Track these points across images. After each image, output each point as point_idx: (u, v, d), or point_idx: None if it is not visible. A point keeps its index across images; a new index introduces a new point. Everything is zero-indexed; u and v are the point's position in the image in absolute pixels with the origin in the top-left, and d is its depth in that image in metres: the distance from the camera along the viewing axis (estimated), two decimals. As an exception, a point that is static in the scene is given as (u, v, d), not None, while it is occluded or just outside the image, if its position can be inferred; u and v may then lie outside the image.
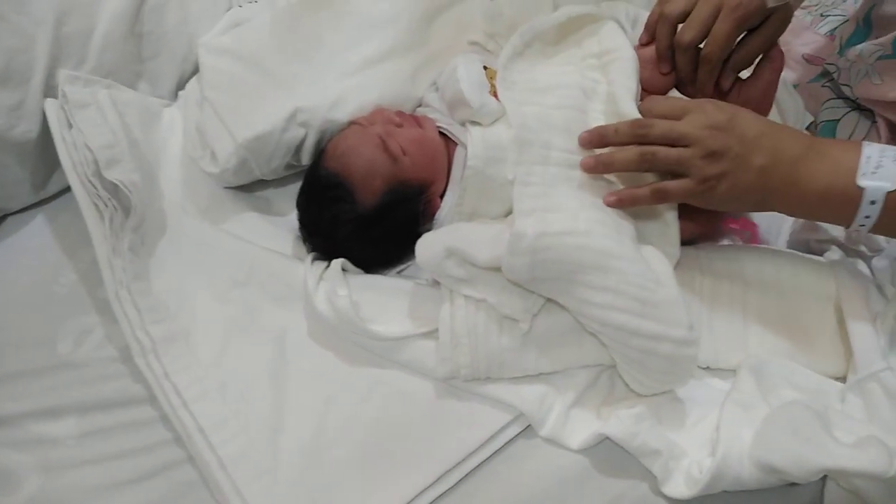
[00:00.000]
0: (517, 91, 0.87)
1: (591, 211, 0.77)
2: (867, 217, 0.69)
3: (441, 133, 0.92)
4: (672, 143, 0.73)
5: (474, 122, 0.89)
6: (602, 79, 0.87)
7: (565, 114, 0.84)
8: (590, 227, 0.75)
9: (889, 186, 0.67)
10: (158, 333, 0.84)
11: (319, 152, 0.93)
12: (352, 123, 0.94)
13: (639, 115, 0.79)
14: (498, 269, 0.77)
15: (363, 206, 0.88)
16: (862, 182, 0.68)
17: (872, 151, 0.69)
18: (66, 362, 0.86)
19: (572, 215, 0.76)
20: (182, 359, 0.83)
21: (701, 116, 0.73)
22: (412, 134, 0.90)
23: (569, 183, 0.80)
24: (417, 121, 0.92)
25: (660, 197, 0.76)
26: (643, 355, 0.74)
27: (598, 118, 0.85)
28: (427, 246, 0.80)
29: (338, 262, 0.87)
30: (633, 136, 0.75)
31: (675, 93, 0.89)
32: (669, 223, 0.82)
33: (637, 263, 0.74)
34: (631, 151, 0.75)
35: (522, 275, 0.74)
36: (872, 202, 0.68)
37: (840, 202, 0.70)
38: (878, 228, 0.70)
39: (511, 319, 0.78)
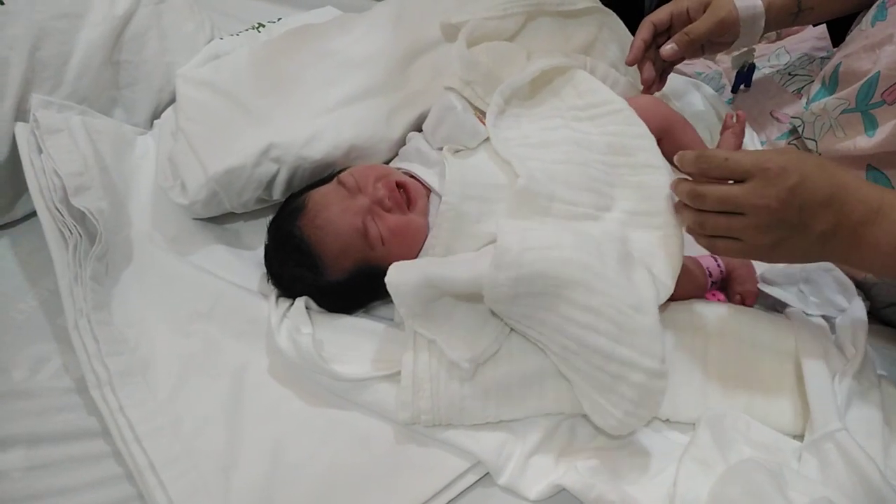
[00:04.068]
0: (513, 147, 0.88)
1: (573, 235, 0.77)
2: None
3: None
4: (726, 212, 0.71)
5: (456, 151, 0.89)
6: (594, 130, 0.89)
7: (566, 168, 0.85)
8: (575, 244, 0.75)
9: None
10: (116, 366, 0.83)
11: (297, 206, 0.90)
12: (338, 180, 0.90)
13: (663, 165, 0.80)
14: (461, 305, 0.77)
15: (327, 279, 0.87)
16: None
17: None
18: (19, 390, 0.85)
19: (555, 232, 0.76)
20: (137, 393, 0.82)
21: (761, 185, 0.69)
22: (397, 222, 0.87)
23: None
24: (409, 195, 0.89)
25: (711, 249, 0.76)
26: (615, 381, 0.73)
27: (600, 169, 0.86)
28: (402, 272, 0.78)
29: (301, 301, 0.87)
30: (691, 203, 0.74)
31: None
32: (674, 256, 0.81)
33: (620, 287, 0.74)
34: (686, 217, 0.76)
35: (506, 290, 0.73)
36: None
37: None
38: None
39: (458, 366, 0.77)
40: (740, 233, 0.71)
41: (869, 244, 0.70)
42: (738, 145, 0.89)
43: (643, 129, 0.87)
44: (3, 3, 0.96)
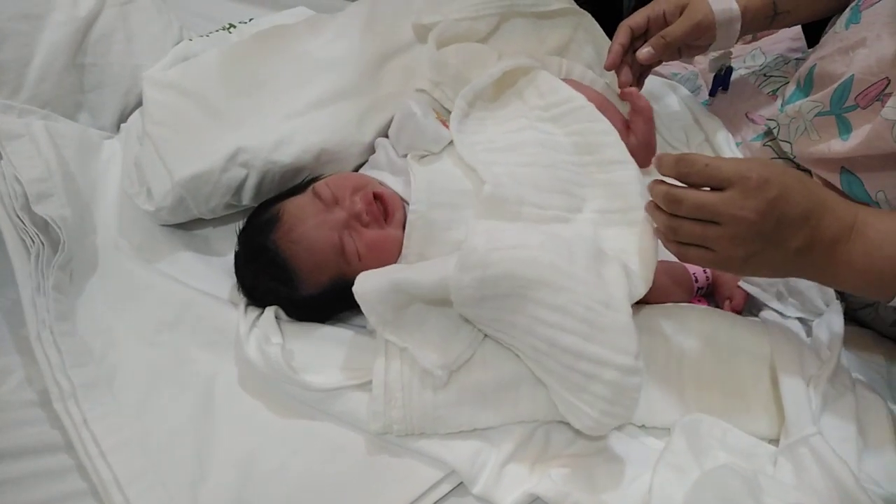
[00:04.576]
0: (479, 152, 0.86)
1: (539, 234, 0.76)
2: None
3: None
4: (701, 219, 0.70)
5: (421, 157, 0.88)
6: (557, 130, 0.88)
7: (534, 171, 0.84)
8: (541, 241, 0.74)
9: None
10: (80, 378, 0.81)
11: (271, 217, 0.87)
12: (314, 191, 0.88)
13: (629, 160, 0.80)
14: (433, 311, 0.76)
15: (301, 293, 0.86)
16: None
17: None
18: (-19, 404, 0.82)
19: (523, 232, 0.75)
20: (102, 405, 0.80)
21: (741, 195, 0.67)
22: (374, 237, 0.85)
23: None
24: (386, 207, 0.87)
25: (681, 257, 0.74)
26: (587, 380, 0.71)
27: (568, 170, 0.85)
28: (368, 279, 0.77)
29: (271, 310, 0.85)
30: (666, 207, 0.72)
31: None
32: (648, 251, 0.80)
33: (587, 284, 0.72)
34: (658, 220, 0.74)
35: (472, 292, 0.72)
36: None
37: (878, 283, 0.70)
38: None
39: (431, 374, 0.76)
40: (713, 242, 0.70)
41: (842, 262, 0.70)
42: (646, 129, 0.91)
43: (606, 124, 0.86)
44: None
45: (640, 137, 0.93)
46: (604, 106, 0.93)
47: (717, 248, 0.70)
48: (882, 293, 0.71)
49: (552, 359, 0.73)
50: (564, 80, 0.96)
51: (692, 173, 0.70)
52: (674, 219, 0.72)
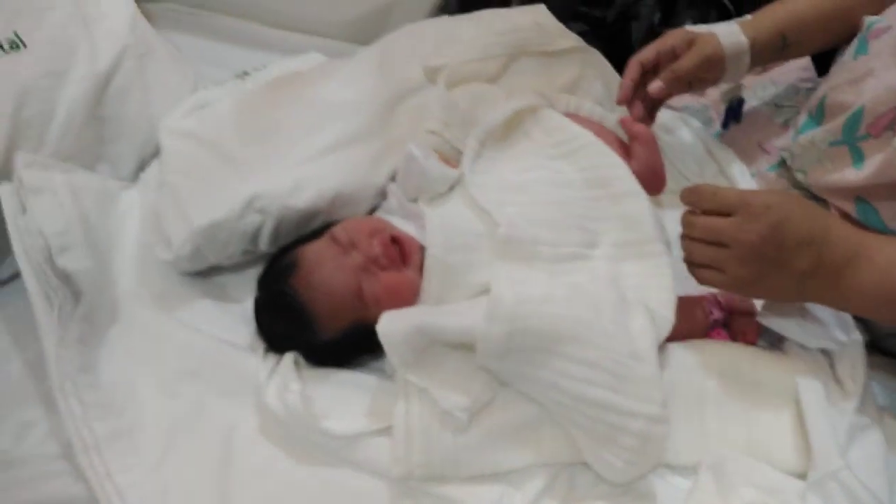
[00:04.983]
0: (491, 193, 0.87)
1: (566, 286, 0.77)
2: None
3: None
4: (712, 242, 0.75)
5: (431, 200, 0.88)
6: (568, 168, 0.88)
7: (546, 209, 0.85)
8: (567, 296, 0.74)
9: None
10: (102, 430, 0.81)
11: (289, 263, 0.88)
12: (331, 235, 0.88)
13: (641, 191, 0.82)
14: (453, 352, 0.76)
15: (320, 338, 0.86)
16: None
17: None
18: (6, 460, 0.82)
19: (549, 286, 0.76)
20: (125, 458, 0.80)
21: (745, 220, 0.72)
22: (392, 280, 0.85)
23: (550, 276, 0.81)
24: (404, 250, 0.86)
25: (697, 278, 0.79)
26: (614, 432, 0.72)
27: (581, 205, 0.86)
28: (393, 320, 0.77)
29: (290, 356, 0.85)
30: (683, 230, 0.78)
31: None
32: (665, 291, 0.82)
33: (616, 338, 0.73)
34: (682, 245, 0.79)
35: (499, 344, 0.72)
36: None
37: (887, 307, 0.72)
38: None
39: (452, 415, 0.76)
40: (723, 264, 0.74)
41: (852, 286, 0.72)
42: (648, 155, 0.92)
43: (615, 158, 0.86)
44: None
45: (642, 162, 0.92)
46: (610, 140, 0.94)
47: (726, 269, 0.74)
48: (887, 319, 0.72)
49: (577, 412, 0.74)
50: (568, 114, 0.96)
51: (703, 201, 0.76)
52: (689, 242, 0.77)
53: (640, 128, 0.93)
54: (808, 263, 0.72)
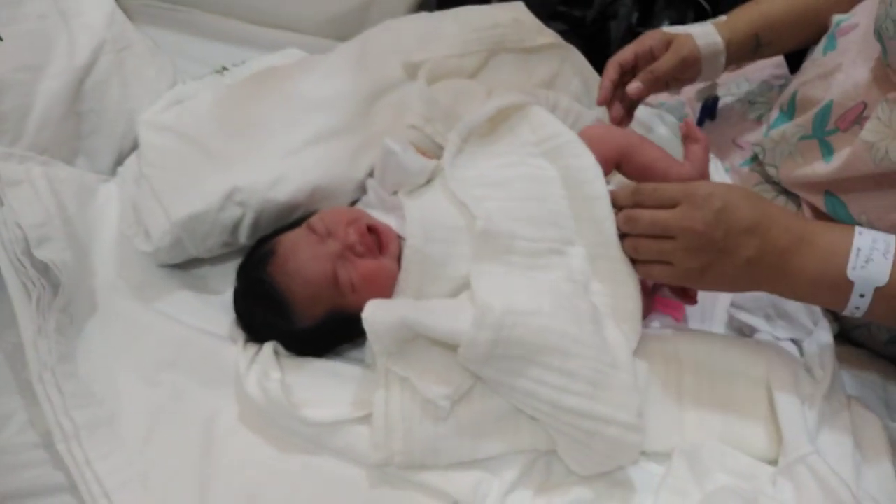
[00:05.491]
0: (470, 187, 0.88)
1: (550, 296, 0.78)
2: (857, 307, 0.72)
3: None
4: (657, 235, 0.76)
5: (410, 192, 0.89)
6: (548, 165, 0.89)
7: (524, 205, 0.86)
8: (553, 309, 0.75)
9: (878, 282, 0.70)
10: (82, 418, 0.81)
11: (266, 252, 0.88)
12: (308, 225, 0.89)
13: (605, 195, 0.83)
14: (436, 347, 0.77)
15: (298, 326, 0.86)
16: (851, 276, 0.70)
17: (863, 243, 0.71)
18: (-16, 449, 0.82)
19: (535, 296, 0.76)
20: (105, 445, 0.80)
21: (688, 209, 0.74)
22: (368, 267, 0.85)
23: (529, 272, 0.82)
24: (381, 239, 0.87)
25: (646, 275, 0.81)
26: (589, 437, 0.74)
27: (560, 203, 0.87)
28: (379, 310, 0.77)
29: (270, 345, 0.86)
30: (625, 228, 0.80)
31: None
32: (631, 300, 0.83)
33: (595, 347, 0.75)
34: (623, 244, 0.81)
35: (482, 351, 0.73)
36: (862, 295, 0.71)
37: (831, 292, 0.73)
38: (869, 316, 0.73)
39: (434, 404, 0.76)
40: (671, 255, 0.76)
41: (795, 272, 0.73)
42: (703, 157, 0.92)
43: (590, 159, 0.86)
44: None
45: (697, 165, 0.92)
46: (610, 143, 0.92)
47: (675, 261, 0.76)
48: (837, 302, 0.73)
49: (553, 417, 0.75)
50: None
51: (645, 198, 0.78)
52: (635, 238, 0.78)
53: (699, 133, 0.93)
54: (754, 250, 0.73)
